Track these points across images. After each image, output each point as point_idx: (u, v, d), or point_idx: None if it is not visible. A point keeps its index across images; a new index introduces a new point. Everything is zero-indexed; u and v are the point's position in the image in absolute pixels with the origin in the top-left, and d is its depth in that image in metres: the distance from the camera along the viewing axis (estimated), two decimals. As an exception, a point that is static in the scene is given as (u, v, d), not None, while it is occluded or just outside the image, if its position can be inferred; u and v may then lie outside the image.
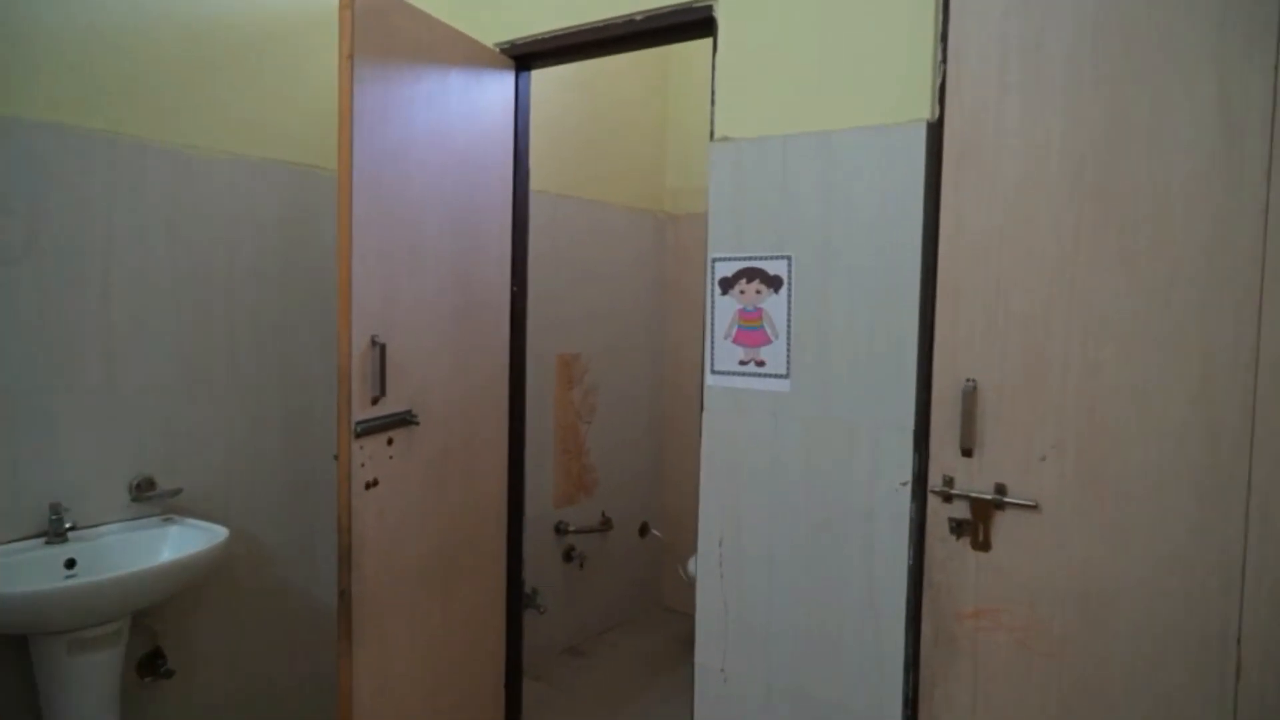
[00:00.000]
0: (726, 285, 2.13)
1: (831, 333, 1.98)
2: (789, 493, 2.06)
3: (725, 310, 2.14)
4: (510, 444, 2.70)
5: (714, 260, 2.15)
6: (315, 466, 2.70)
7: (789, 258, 2.04)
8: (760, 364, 2.09)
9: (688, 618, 4.13)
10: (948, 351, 1.84)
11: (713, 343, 2.16)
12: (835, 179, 1.96)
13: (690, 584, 3.63)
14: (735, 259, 2.12)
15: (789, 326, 2.04)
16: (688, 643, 3.95)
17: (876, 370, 1.92)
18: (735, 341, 2.13)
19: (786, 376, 2.05)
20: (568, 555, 3.68)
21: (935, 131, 1.85)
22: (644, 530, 4.12)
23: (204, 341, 2.43)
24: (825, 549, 2.01)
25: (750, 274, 2.09)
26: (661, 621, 4.08)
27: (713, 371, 2.17)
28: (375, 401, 2.09)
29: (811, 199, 2.00)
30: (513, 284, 2.67)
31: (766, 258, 2.07)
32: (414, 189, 2.22)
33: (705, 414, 2.19)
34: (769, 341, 2.08)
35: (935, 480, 1.86)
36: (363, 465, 2.07)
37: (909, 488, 1.89)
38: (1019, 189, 1.75)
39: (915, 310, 1.87)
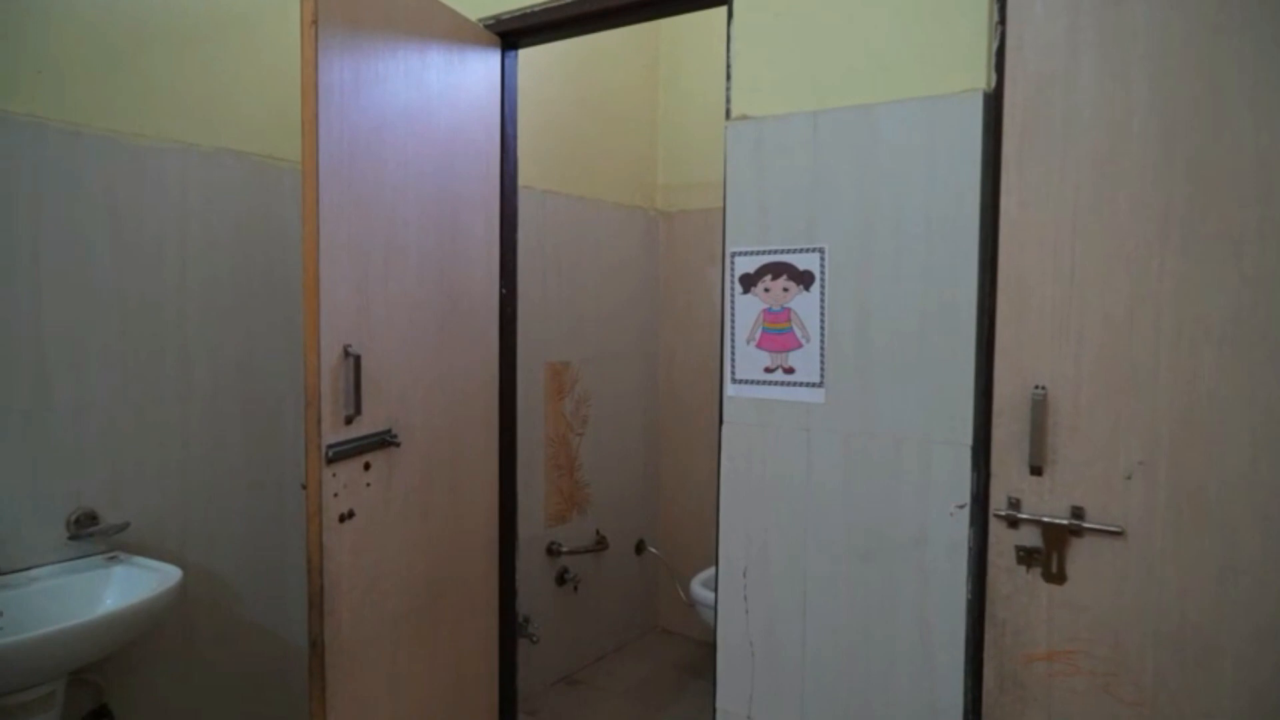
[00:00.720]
0: (748, 283, 1.88)
1: (873, 335, 1.74)
2: (825, 517, 1.81)
3: (747, 311, 1.89)
4: (501, 462, 2.43)
5: (733, 255, 1.91)
6: (285, 494, 2.42)
7: (821, 250, 1.79)
8: (789, 371, 1.84)
9: (687, 640, 3.90)
10: (1012, 355, 1.60)
11: (733, 347, 1.91)
12: (875, 160, 1.72)
13: (692, 606, 3.39)
14: (758, 253, 1.87)
15: (823, 328, 1.80)
16: (688, 669, 3.72)
17: (927, 378, 1.68)
18: (760, 346, 1.88)
19: (820, 385, 1.81)
20: (561, 578, 3.41)
21: (993, 102, 1.61)
22: (640, 548, 3.86)
23: (153, 355, 2.14)
24: (869, 581, 1.76)
25: (776, 269, 1.85)
26: (659, 645, 3.82)
27: (734, 380, 1.92)
28: (349, 421, 1.82)
29: (848, 183, 1.75)
30: (501, 285, 2.41)
31: (795, 251, 1.82)
32: (390, 177, 1.95)
33: (725, 428, 1.94)
34: (799, 346, 1.83)
35: (999, 502, 1.63)
36: (336, 495, 1.79)
37: (967, 511, 1.65)
38: (1096, 166, 1.52)
39: (973, 308, 1.63)
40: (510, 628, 2.51)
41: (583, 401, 3.50)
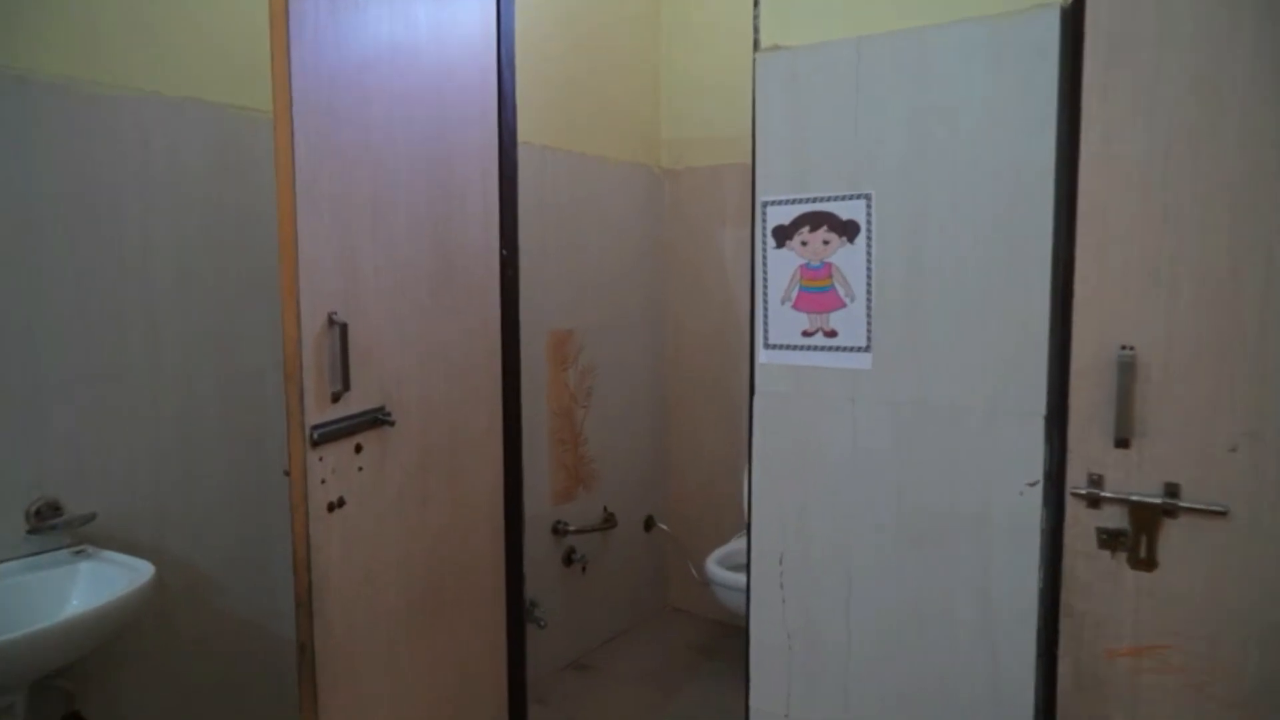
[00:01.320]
0: (783, 236, 1.67)
1: (928, 291, 1.54)
2: (874, 497, 1.62)
3: (782, 267, 1.68)
4: (505, 439, 2.23)
5: (765, 204, 1.69)
6: (269, 477, 2.21)
7: (867, 196, 1.58)
8: (831, 334, 1.64)
9: (699, 620, 3.74)
10: (1094, 311, 1.40)
11: (765, 309, 1.71)
12: (931, 91, 1.51)
13: (707, 585, 3.23)
14: (794, 201, 1.66)
15: (869, 285, 1.59)
16: (702, 650, 3.56)
17: (993, 339, 1.48)
18: (797, 307, 1.67)
19: (867, 349, 1.61)
20: (568, 558, 3.24)
21: (1072, 20, 1.40)
22: (649, 524, 3.68)
23: (116, 326, 1.92)
24: (923, 567, 1.58)
25: (815, 220, 1.64)
26: (670, 625, 3.66)
27: (766, 345, 1.72)
28: (336, 399, 1.61)
29: (898, 119, 1.54)
30: (501, 246, 2.19)
31: (836, 198, 1.61)
32: (375, 123, 1.73)
33: (757, 398, 1.74)
34: (842, 305, 1.63)
35: (1077, 479, 1.43)
36: (323, 481, 1.59)
37: (1039, 489, 1.46)
38: (1196, 89, 1.31)
39: (1047, 259, 1.43)
40: (518, 616, 2.33)
41: (587, 372, 3.30)
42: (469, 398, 2.08)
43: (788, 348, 1.69)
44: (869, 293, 1.59)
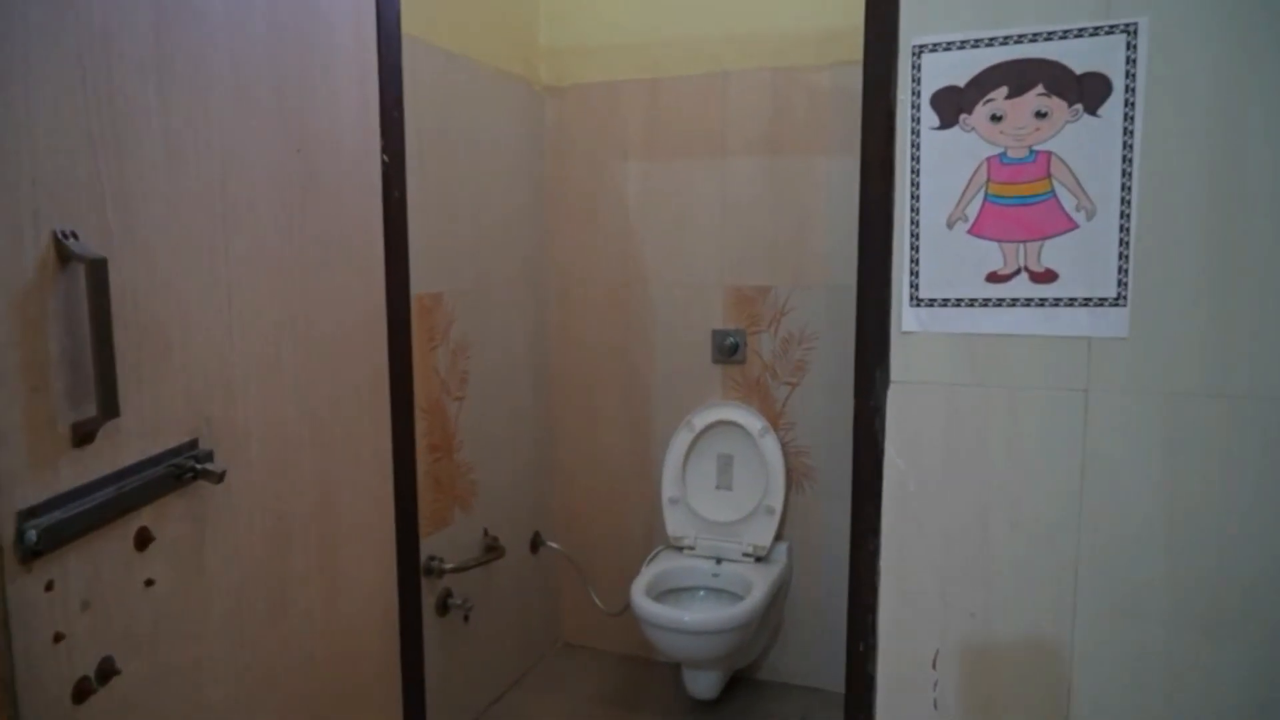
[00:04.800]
0: (954, 106, 0.95)
1: (1246, 202, 0.87)
2: (1122, 556, 0.95)
3: (951, 163, 0.95)
4: (397, 471, 1.36)
5: (918, 50, 0.96)
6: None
7: (1130, 30, 0.89)
8: (1044, 277, 0.94)
9: (600, 657, 2.94)
10: None
11: (915, 237, 0.98)
12: None
13: (615, 616, 2.50)
14: (977, 43, 0.93)
15: (1126, 189, 0.90)
16: (613, 701, 2.77)
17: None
18: (978, 232, 0.95)
19: (1119, 302, 0.92)
20: (443, 605, 2.37)
21: None
22: (536, 544, 2.88)
23: None
24: (1224, 677, 0.93)
25: (1020, 75, 0.92)
26: (568, 667, 2.89)
27: (914, 302, 0.99)
28: (88, 437, 0.70)
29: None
30: (383, 150, 1.31)
31: (1064, 34, 0.91)
32: None
33: (893, 393, 1.01)
34: (1070, 227, 0.93)
35: None
36: (59, 638, 0.68)
37: None
38: None
39: None
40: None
41: (460, 352, 2.43)
42: (344, 404, 1.19)
43: (958, 303, 0.97)
44: (1125, 204, 0.90)
